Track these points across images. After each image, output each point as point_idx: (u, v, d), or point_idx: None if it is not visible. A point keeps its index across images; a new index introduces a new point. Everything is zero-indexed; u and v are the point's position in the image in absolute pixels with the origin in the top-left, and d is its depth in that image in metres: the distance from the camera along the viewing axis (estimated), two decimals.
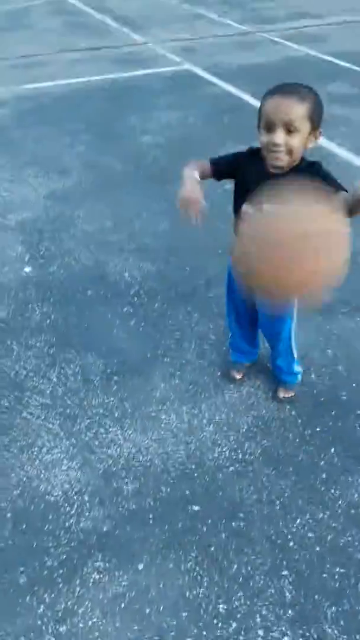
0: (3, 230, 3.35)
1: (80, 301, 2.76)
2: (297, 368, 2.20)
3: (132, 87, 5.74)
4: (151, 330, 2.57)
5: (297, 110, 1.56)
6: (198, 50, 6.98)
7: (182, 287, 2.84)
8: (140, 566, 1.67)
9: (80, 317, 2.65)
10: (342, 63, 6.37)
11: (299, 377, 2.23)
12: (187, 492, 1.88)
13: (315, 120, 1.61)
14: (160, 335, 2.54)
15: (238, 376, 2.28)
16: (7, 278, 2.93)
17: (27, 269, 2.99)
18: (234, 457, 1.99)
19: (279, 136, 1.59)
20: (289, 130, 1.58)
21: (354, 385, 2.26)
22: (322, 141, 4.54)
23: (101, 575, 1.65)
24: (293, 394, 2.20)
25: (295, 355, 2.14)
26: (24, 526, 1.80)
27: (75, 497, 1.87)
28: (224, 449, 2.02)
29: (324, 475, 1.92)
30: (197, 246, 3.16)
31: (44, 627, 1.54)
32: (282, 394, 2.20)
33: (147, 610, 1.57)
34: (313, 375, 2.32)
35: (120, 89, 5.69)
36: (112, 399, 2.23)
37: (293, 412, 2.16)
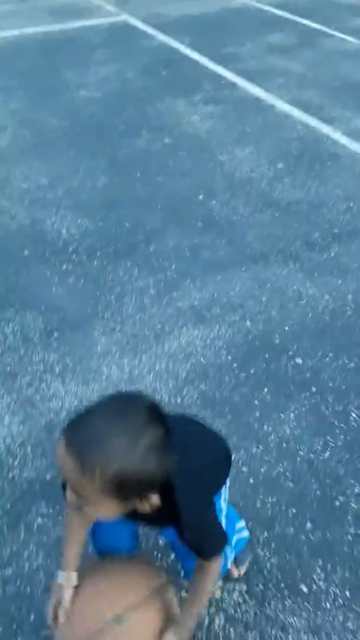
0: None
1: (17, 260, 2.73)
2: (240, 536, 1.56)
3: (68, 40, 5.53)
4: (91, 286, 2.58)
5: (81, 482, 0.96)
6: (135, 0, 6.76)
7: (122, 242, 2.85)
8: None
9: (18, 277, 2.64)
10: (281, 13, 6.30)
11: (244, 539, 1.58)
12: None
13: (126, 493, 0.98)
14: (100, 291, 2.55)
15: None
16: None
17: None
18: (173, 401, 2.06)
19: (69, 494, 1.03)
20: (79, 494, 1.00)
21: (285, 328, 2.36)
22: (261, 93, 4.62)
23: (45, 520, 1.71)
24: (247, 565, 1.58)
25: (234, 539, 1.49)
26: None
27: (18, 450, 1.91)
28: (164, 395, 2.09)
29: (257, 414, 2.02)
30: (136, 201, 3.16)
31: None
32: (235, 573, 1.56)
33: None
34: (248, 322, 2.40)
35: (55, 42, 5.48)
36: (52, 355, 2.25)
37: (229, 357, 2.24)
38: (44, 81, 4.65)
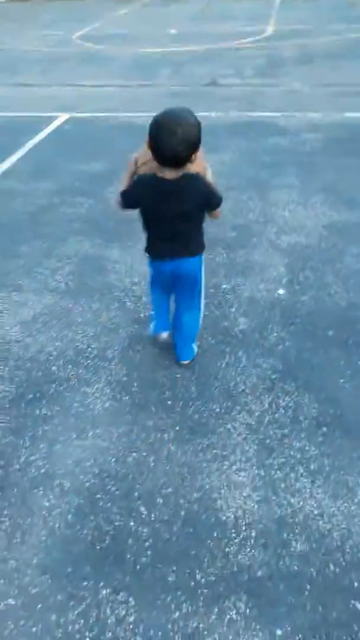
0: (273, 249, 3.47)
1: (319, 338, 2.70)
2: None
3: None
4: None
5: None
6: None
7: None
8: (279, 632, 1.60)
9: (313, 354, 2.60)
10: None
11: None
12: (356, 584, 1.71)
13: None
14: None
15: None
16: (260, 295, 3.03)
17: (281, 291, 3.05)
18: None
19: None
20: None
21: None
22: None
23: (239, 618, 1.62)
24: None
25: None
26: (191, 530, 1.87)
27: (243, 528, 1.87)
28: None
29: None
30: None
31: (171, 633, 1.59)
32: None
33: None
34: None
35: None
36: (314, 449, 2.15)
37: None
38: None
